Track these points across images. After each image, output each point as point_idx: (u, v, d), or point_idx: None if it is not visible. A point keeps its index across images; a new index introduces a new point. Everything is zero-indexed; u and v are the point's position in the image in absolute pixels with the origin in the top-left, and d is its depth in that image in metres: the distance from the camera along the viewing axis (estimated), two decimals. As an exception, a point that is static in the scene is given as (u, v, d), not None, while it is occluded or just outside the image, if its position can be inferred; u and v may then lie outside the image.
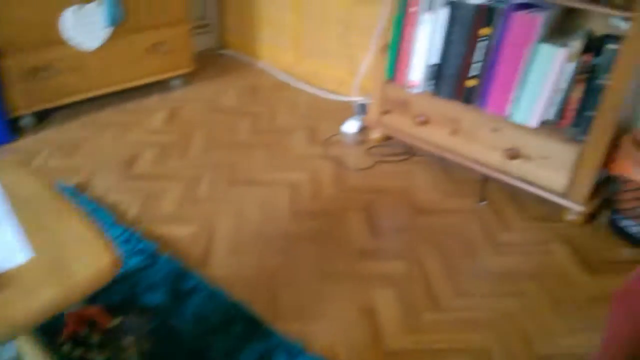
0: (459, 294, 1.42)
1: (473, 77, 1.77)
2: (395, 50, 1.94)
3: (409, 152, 2.10)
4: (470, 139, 1.86)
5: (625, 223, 1.68)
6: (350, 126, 2.24)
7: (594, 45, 1.58)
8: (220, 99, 2.51)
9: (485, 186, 1.90)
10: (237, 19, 3.00)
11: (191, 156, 2.01)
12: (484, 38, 1.70)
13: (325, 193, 1.82)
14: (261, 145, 2.11)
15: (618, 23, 1.65)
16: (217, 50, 3.11)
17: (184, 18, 2.43)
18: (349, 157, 2.06)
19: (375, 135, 2.17)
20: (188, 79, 2.62)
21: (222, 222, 1.65)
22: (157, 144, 2.08)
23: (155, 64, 2.42)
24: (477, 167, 1.87)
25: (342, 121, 2.30)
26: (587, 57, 1.59)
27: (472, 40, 1.73)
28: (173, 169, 1.92)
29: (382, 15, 1.93)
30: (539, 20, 1.57)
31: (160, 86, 2.54)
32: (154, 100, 2.45)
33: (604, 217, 1.77)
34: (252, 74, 2.83)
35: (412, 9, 1.82)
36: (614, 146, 1.65)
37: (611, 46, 1.49)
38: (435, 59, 1.84)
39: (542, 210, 1.78)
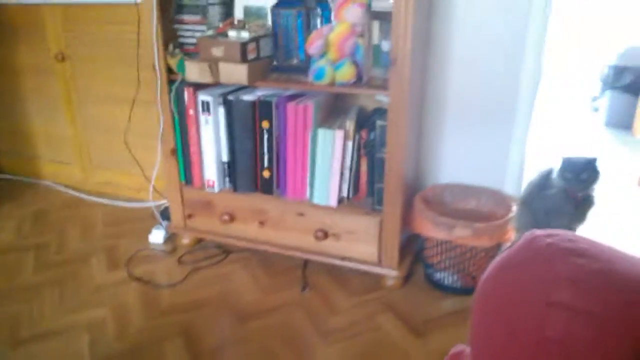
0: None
1: (266, 168, 1.75)
2: (184, 152, 1.84)
3: (224, 251, 1.98)
4: (280, 227, 1.81)
5: (438, 276, 1.76)
6: (156, 236, 2.05)
7: (368, 121, 1.67)
8: (-6, 237, 2.12)
9: (305, 272, 1.85)
10: (8, 138, 2.64)
11: (-45, 324, 1.61)
12: (267, 130, 1.69)
13: (133, 326, 1.59)
14: (50, 284, 1.80)
15: (382, 98, 1.78)
16: (-13, 176, 2.69)
17: None
18: (158, 274, 1.86)
19: (185, 240, 2.01)
20: (-53, 221, 2.18)
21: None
22: None
23: None
24: (294, 254, 1.82)
25: (147, 232, 2.10)
26: (364, 133, 1.67)
27: (256, 134, 1.71)
28: None
29: (161, 119, 1.83)
30: (310, 107, 1.62)
31: None
32: None
33: (420, 274, 1.84)
34: (34, 198, 2.47)
35: (189, 112, 1.75)
36: (410, 207, 1.75)
37: (380, 122, 1.58)
38: (226, 156, 1.79)
39: (363, 283, 1.79)
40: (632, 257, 0.52)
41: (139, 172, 2.34)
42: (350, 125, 1.65)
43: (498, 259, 0.57)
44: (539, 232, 0.56)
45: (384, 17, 1.53)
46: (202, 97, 1.72)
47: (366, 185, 1.73)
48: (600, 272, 0.49)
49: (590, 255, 0.50)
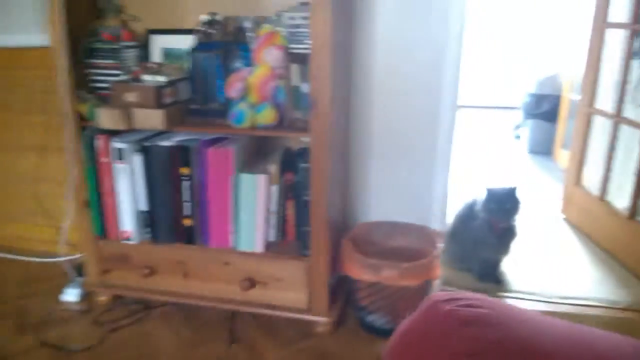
0: None
1: (187, 216, 1.66)
2: (98, 203, 1.72)
3: (145, 307, 1.85)
4: (204, 278, 1.72)
5: (370, 318, 1.72)
6: (70, 295, 1.89)
7: (293, 163, 1.63)
8: None
9: (233, 325, 1.75)
10: None
11: None
12: (186, 177, 1.61)
13: (40, 401, 1.43)
14: (-56, 359, 1.60)
15: (307, 139, 1.76)
16: None
17: None
18: (72, 337, 1.70)
19: (102, 298, 1.86)
20: None
21: None
22: None
23: None
24: (220, 306, 1.73)
25: (59, 290, 1.93)
26: (289, 176, 1.63)
27: (175, 181, 1.63)
28: None
29: (71, 168, 1.71)
30: (231, 152, 1.56)
31: None
32: None
33: (352, 317, 1.79)
34: None
35: (103, 160, 1.65)
36: (340, 248, 1.71)
37: (303, 165, 1.55)
38: (143, 205, 1.69)
39: (294, 332, 1.71)
40: (537, 320, 0.50)
41: (51, 224, 2.18)
42: (274, 168, 1.60)
43: (400, 328, 0.54)
44: (439, 296, 0.53)
45: (302, 60, 1.52)
46: (116, 144, 1.62)
47: (294, 229, 1.68)
48: (499, 342, 0.46)
49: (489, 323, 0.47)
